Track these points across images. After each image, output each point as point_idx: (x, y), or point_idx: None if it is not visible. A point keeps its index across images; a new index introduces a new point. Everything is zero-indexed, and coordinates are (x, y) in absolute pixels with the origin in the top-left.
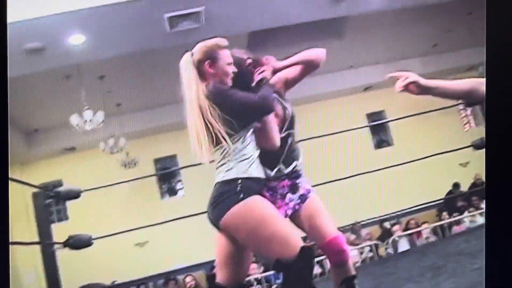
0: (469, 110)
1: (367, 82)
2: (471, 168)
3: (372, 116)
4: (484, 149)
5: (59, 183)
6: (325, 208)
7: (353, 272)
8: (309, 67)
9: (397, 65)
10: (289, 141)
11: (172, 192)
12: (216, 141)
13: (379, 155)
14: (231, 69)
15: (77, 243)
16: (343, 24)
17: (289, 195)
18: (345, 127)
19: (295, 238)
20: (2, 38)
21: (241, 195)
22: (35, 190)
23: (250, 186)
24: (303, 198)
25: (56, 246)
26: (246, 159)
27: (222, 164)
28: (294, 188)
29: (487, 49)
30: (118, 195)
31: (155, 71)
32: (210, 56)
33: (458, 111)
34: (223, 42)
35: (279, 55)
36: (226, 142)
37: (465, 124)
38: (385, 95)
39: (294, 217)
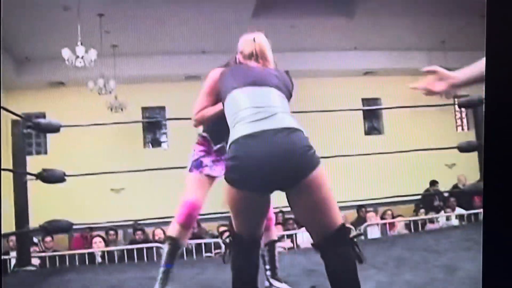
0: (464, 112)
1: (368, 66)
2: (456, 170)
3: (368, 102)
4: (469, 153)
5: (42, 115)
6: None
7: (275, 237)
8: None
9: (401, 55)
10: None
11: (156, 143)
12: None
13: (368, 141)
14: None
15: (50, 177)
16: (355, 2)
17: None
18: (338, 107)
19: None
20: None
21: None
22: (15, 118)
23: None
24: None
25: (28, 177)
26: None
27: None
28: None
29: (487, 52)
30: (101, 137)
31: (157, 18)
32: None
33: (453, 112)
34: None
35: (285, 24)
36: None
37: (458, 126)
38: (384, 83)
39: None
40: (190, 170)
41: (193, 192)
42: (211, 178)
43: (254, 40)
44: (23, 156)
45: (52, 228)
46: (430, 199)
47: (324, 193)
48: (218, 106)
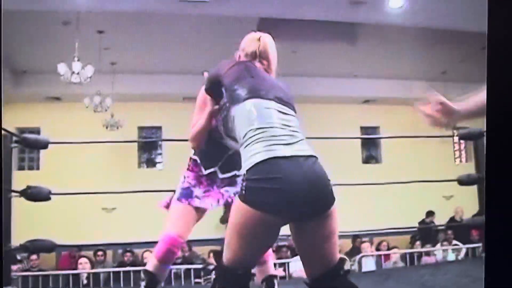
0: (462, 144)
1: (368, 94)
2: (454, 202)
3: (367, 130)
4: (468, 186)
5: (37, 130)
6: None
7: (274, 272)
8: None
9: (401, 84)
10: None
11: (151, 163)
12: None
13: (365, 170)
14: None
15: (35, 195)
16: (357, 30)
17: (226, 188)
18: (336, 134)
19: None
20: None
21: None
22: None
23: None
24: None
25: (13, 193)
26: None
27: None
28: (232, 183)
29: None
30: (95, 155)
31: (156, 36)
32: None
33: (452, 143)
34: None
35: (286, 48)
36: None
37: (456, 158)
38: (383, 111)
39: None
40: (178, 199)
41: (177, 224)
42: (200, 211)
43: (259, 39)
44: (9, 172)
45: (34, 247)
46: (427, 231)
47: (335, 227)
48: (205, 114)
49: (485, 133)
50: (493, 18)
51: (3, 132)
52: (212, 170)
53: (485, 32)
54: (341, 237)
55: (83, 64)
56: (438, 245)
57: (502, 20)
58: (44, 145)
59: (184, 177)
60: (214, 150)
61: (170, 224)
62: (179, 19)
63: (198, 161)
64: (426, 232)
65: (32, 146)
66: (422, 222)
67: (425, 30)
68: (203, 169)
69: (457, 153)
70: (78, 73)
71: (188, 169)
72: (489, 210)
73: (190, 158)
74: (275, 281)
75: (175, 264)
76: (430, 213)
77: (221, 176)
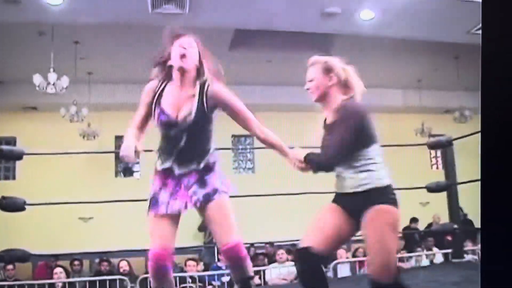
0: (439, 151)
1: None
2: (430, 208)
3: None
4: (440, 193)
5: (13, 140)
6: (229, 213)
7: (251, 274)
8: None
9: (377, 92)
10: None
11: (128, 172)
12: None
13: None
14: None
15: (10, 205)
16: (331, 40)
17: (194, 187)
18: (310, 143)
19: None
20: None
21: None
22: None
23: None
24: (207, 197)
25: None
26: None
27: None
28: (201, 183)
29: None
30: (72, 164)
31: (132, 47)
32: None
33: (428, 150)
34: None
35: (261, 58)
36: None
37: (433, 164)
38: None
39: (202, 214)
40: (148, 212)
41: (155, 237)
42: (173, 216)
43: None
44: None
45: (9, 257)
46: (409, 237)
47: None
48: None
49: (452, 141)
50: (487, 25)
51: None
52: (167, 165)
53: (456, 41)
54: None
55: (58, 74)
56: (422, 251)
57: (497, 27)
58: (19, 156)
59: (153, 183)
60: (165, 143)
61: (150, 239)
62: (155, 29)
63: (157, 158)
64: (408, 239)
65: (6, 157)
66: (406, 229)
67: (399, 40)
68: (158, 165)
69: (434, 160)
70: (53, 84)
71: (154, 174)
72: (485, 213)
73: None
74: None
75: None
76: (413, 220)
77: (177, 172)
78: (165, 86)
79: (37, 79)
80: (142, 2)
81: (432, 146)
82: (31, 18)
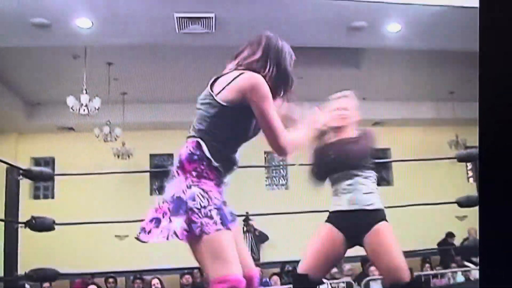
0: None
1: (377, 117)
2: (468, 222)
3: (377, 152)
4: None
5: (52, 160)
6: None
7: None
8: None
9: (410, 105)
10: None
11: (163, 190)
12: None
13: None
14: None
15: (39, 225)
16: (361, 54)
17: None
18: None
19: None
20: None
21: None
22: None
23: None
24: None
25: (19, 224)
26: None
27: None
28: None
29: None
30: (108, 183)
31: (163, 67)
32: None
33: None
34: None
35: (292, 74)
36: None
37: (470, 177)
38: (394, 133)
39: None
40: (218, 227)
41: (233, 259)
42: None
43: None
44: (15, 203)
45: (38, 276)
46: (445, 253)
47: None
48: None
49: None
50: (484, 35)
51: (7, 166)
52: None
53: None
54: (350, 260)
55: (90, 96)
56: (450, 268)
57: (493, 36)
58: (49, 177)
59: (201, 194)
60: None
61: (223, 262)
62: (186, 49)
63: (220, 167)
64: (444, 254)
65: (37, 178)
66: (442, 243)
67: (429, 52)
68: (222, 177)
69: (470, 172)
70: (86, 105)
71: (204, 176)
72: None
73: (205, 164)
74: None
75: None
76: (450, 234)
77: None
78: None
79: (70, 101)
80: (169, 23)
81: (462, 159)
82: (62, 42)
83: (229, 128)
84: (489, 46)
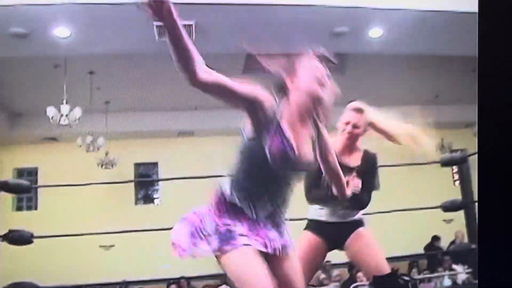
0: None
1: None
2: (455, 225)
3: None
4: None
5: (35, 170)
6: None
7: None
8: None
9: (395, 109)
10: None
11: (148, 199)
12: None
13: None
14: None
15: (16, 239)
16: (345, 59)
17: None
18: None
19: None
20: None
21: None
22: None
23: None
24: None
25: None
26: None
27: None
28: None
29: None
30: (92, 193)
31: (145, 75)
32: None
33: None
34: None
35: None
36: None
37: (456, 180)
38: (379, 139)
39: None
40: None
41: (264, 276)
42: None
43: None
44: None
45: None
46: (432, 256)
47: None
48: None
49: (467, 157)
50: (483, 40)
51: None
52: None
53: (470, 55)
54: (338, 266)
55: (74, 105)
56: (436, 273)
57: (492, 42)
58: (26, 189)
59: (212, 216)
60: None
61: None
62: (168, 57)
63: (240, 203)
64: (431, 258)
65: (13, 190)
66: (428, 247)
67: (413, 56)
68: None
69: (456, 176)
70: (66, 115)
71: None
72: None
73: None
74: None
75: None
76: (435, 238)
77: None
78: None
79: (50, 111)
80: (148, 31)
81: (445, 163)
82: (42, 52)
83: None
84: (488, 50)
